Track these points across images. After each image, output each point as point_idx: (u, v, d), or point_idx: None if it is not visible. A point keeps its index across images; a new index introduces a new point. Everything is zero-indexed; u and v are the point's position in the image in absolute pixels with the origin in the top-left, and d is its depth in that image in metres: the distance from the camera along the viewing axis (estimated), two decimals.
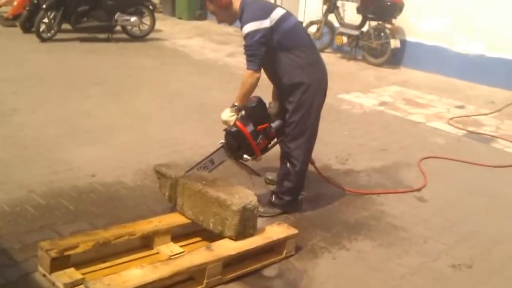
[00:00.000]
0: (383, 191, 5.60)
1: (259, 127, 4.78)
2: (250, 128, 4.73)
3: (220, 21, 4.90)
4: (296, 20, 4.83)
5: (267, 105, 4.98)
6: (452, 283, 4.15)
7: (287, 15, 4.69)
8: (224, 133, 4.84)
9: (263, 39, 4.48)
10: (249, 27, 4.49)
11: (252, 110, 4.76)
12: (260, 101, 4.83)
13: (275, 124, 4.95)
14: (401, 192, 5.61)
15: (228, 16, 4.78)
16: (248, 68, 4.56)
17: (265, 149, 4.94)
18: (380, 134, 7.44)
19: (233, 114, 4.70)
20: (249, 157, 4.82)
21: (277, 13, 4.60)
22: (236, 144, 4.76)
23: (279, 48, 4.61)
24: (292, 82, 4.67)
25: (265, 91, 5.07)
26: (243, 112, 4.73)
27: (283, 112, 4.90)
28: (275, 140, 4.99)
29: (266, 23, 4.50)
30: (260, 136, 4.79)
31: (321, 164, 6.03)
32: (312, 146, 4.94)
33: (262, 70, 4.68)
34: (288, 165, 4.85)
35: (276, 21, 4.55)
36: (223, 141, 4.88)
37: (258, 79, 4.55)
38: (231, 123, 4.71)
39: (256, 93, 4.77)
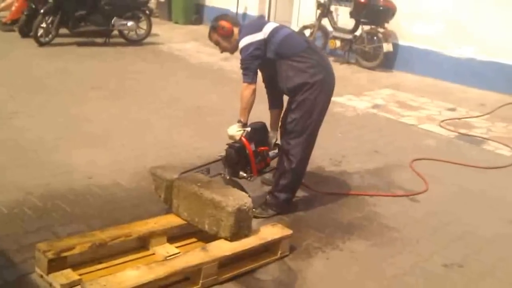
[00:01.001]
0: (389, 194, 5.61)
1: (260, 148, 4.97)
2: (252, 147, 4.90)
3: (222, 50, 5.05)
4: (290, 30, 4.97)
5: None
6: (444, 283, 4.14)
7: (280, 27, 4.85)
8: (223, 147, 4.95)
9: (257, 51, 4.64)
10: (244, 41, 4.67)
11: (256, 132, 4.95)
12: (264, 126, 5.09)
13: (271, 153, 5.15)
14: (401, 196, 5.59)
15: (230, 45, 4.94)
16: (243, 82, 4.69)
17: (260, 172, 5.06)
18: (373, 136, 7.44)
19: (240, 129, 4.82)
20: (245, 175, 4.92)
21: (270, 26, 4.78)
22: (236, 160, 4.87)
23: (278, 57, 4.73)
24: (295, 85, 4.73)
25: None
26: (248, 129, 4.86)
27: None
28: (269, 167, 5.13)
29: (259, 36, 4.67)
30: (259, 157, 4.98)
31: (315, 166, 6.05)
32: (311, 146, 4.94)
33: (268, 84, 5.04)
34: (285, 162, 4.86)
35: (270, 33, 4.70)
36: (222, 154, 4.96)
37: (254, 90, 4.68)
38: (237, 138, 4.83)
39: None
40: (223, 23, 4.86)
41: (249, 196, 4.80)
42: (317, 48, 5.06)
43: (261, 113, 5.22)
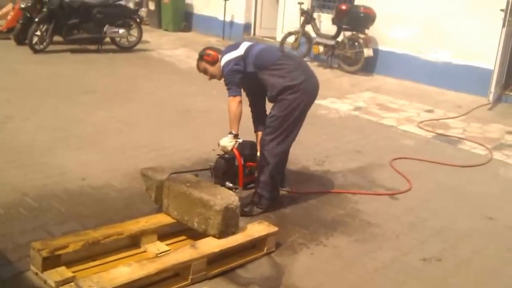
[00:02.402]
0: (372, 193, 5.61)
1: (248, 163, 5.03)
2: (242, 160, 4.96)
3: (210, 77, 5.20)
4: (264, 45, 5.17)
5: None
6: (423, 276, 4.14)
7: (255, 44, 5.09)
8: (211, 147, 4.97)
9: (236, 66, 4.81)
10: (224, 59, 4.89)
11: (246, 147, 5.03)
12: (254, 145, 5.17)
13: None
14: (386, 194, 5.59)
15: (216, 71, 5.06)
16: (229, 96, 4.82)
17: (245, 185, 5.09)
18: (355, 137, 7.45)
19: (232, 141, 4.89)
20: (231, 185, 4.94)
21: (245, 44, 5.00)
22: (225, 170, 4.95)
23: (258, 69, 4.85)
24: (278, 90, 4.78)
25: None
26: (240, 140, 4.94)
27: None
28: (254, 184, 5.09)
29: (238, 52, 4.89)
30: (247, 171, 5.05)
31: (300, 166, 6.07)
32: (287, 143, 4.91)
33: (253, 105, 5.24)
34: (262, 158, 4.89)
35: (246, 50, 4.90)
36: (211, 164, 5.04)
37: (240, 102, 4.81)
38: (229, 148, 4.90)
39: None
40: (209, 51, 5.11)
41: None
42: (293, 55, 5.19)
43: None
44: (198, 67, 5.20)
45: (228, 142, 4.88)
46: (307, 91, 4.83)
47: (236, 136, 4.90)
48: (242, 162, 4.96)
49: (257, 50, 4.91)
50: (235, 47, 4.96)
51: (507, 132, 8.03)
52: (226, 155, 4.93)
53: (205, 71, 5.15)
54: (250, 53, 4.86)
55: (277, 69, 4.80)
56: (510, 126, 8.32)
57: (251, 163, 5.02)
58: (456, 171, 6.40)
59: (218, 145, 4.97)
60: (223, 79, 4.91)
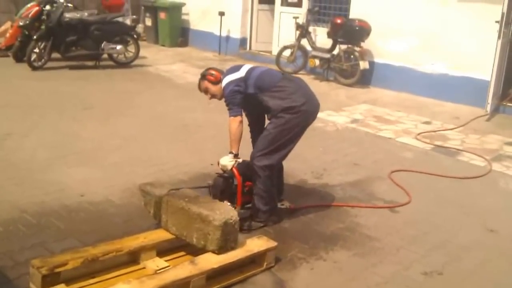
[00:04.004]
0: (371, 206, 5.57)
1: (246, 183, 4.96)
2: (241, 179, 4.93)
3: (211, 97, 5.19)
4: (264, 68, 5.18)
5: None
6: None
7: (256, 67, 5.11)
8: (209, 162, 4.92)
9: (237, 87, 4.84)
10: (225, 80, 4.92)
11: (245, 167, 4.94)
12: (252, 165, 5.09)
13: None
14: (386, 207, 5.55)
15: (218, 91, 5.07)
16: (229, 116, 4.83)
17: (243, 204, 5.02)
18: (352, 149, 7.41)
19: (232, 160, 4.88)
20: (228, 204, 4.89)
21: (247, 67, 5.03)
22: (223, 188, 4.90)
23: (259, 91, 4.87)
24: (279, 111, 4.79)
25: None
26: (240, 160, 4.93)
27: None
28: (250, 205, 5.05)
29: (239, 74, 4.92)
30: (245, 190, 4.98)
31: (298, 179, 6.03)
32: (275, 159, 4.87)
33: (253, 128, 5.22)
34: (253, 171, 4.87)
35: (247, 72, 4.95)
36: (210, 182, 5.02)
37: (240, 122, 4.82)
38: (229, 167, 4.89)
39: None
40: (212, 71, 5.12)
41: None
42: (294, 78, 5.17)
43: None
44: (199, 86, 5.19)
45: (228, 161, 4.88)
46: (307, 114, 4.87)
47: (236, 156, 4.90)
48: (241, 182, 4.94)
49: (258, 72, 4.95)
50: (236, 69, 4.99)
51: (505, 143, 8.01)
52: (225, 174, 4.92)
53: (206, 91, 5.14)
54: (251, 75, 4.89)
55: (278, 91, 4.81)
56: (509, 137, 8.30)
57: (249, 183, 4.99)
58: (456, 183, 6.36)
59: (218, 164, 4.96)
60: (223, 99, 4.93)
